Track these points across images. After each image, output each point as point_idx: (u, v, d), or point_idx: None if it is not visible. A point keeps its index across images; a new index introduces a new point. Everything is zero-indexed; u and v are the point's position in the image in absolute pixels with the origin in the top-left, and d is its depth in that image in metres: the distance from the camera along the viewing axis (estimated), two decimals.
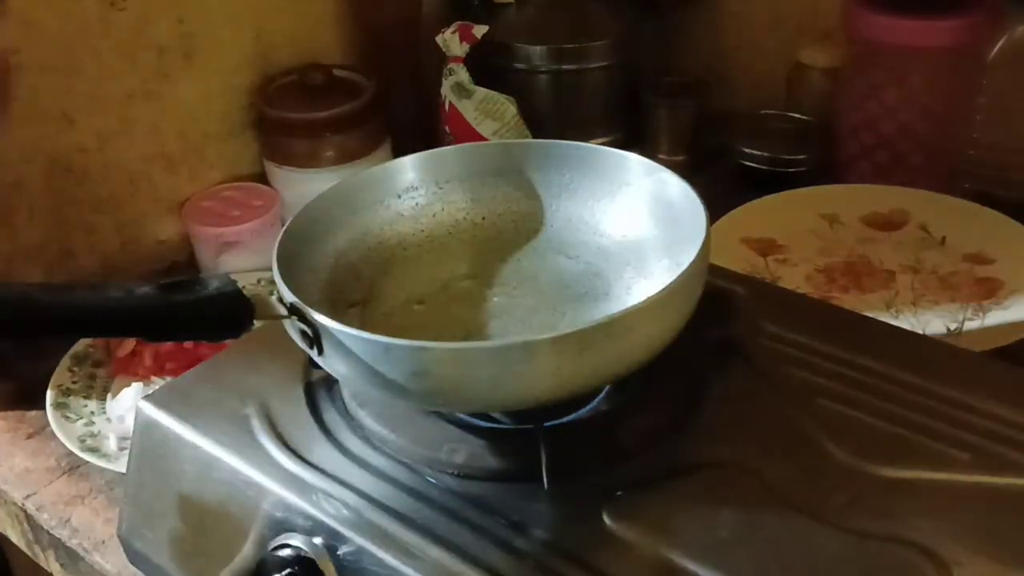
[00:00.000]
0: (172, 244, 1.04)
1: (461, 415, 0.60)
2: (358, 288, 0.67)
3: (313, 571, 0.55)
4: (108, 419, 0.82)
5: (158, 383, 0.85)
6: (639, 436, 0.58)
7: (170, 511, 0.63)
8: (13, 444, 0.83)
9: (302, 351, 0.58)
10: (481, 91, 1.06)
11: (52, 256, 0.96)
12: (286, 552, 0.55)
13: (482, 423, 0.60)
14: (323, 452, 0.60)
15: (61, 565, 0.77)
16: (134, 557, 0.67)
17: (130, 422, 0.75)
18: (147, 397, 0.66)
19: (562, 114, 1.11)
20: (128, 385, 0.84)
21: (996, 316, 0.82)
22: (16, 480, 0.80)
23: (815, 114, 1.07)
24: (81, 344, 0.89)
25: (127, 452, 0.71)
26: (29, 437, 0.84)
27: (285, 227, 0.63)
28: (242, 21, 1.03)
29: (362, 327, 0.59)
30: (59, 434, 0.80)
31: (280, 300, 0.57)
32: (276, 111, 1.02)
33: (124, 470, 0.69)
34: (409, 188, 0.71)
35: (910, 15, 0.93)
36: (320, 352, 0.56)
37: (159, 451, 0.64)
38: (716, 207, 0.76)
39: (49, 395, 0.84)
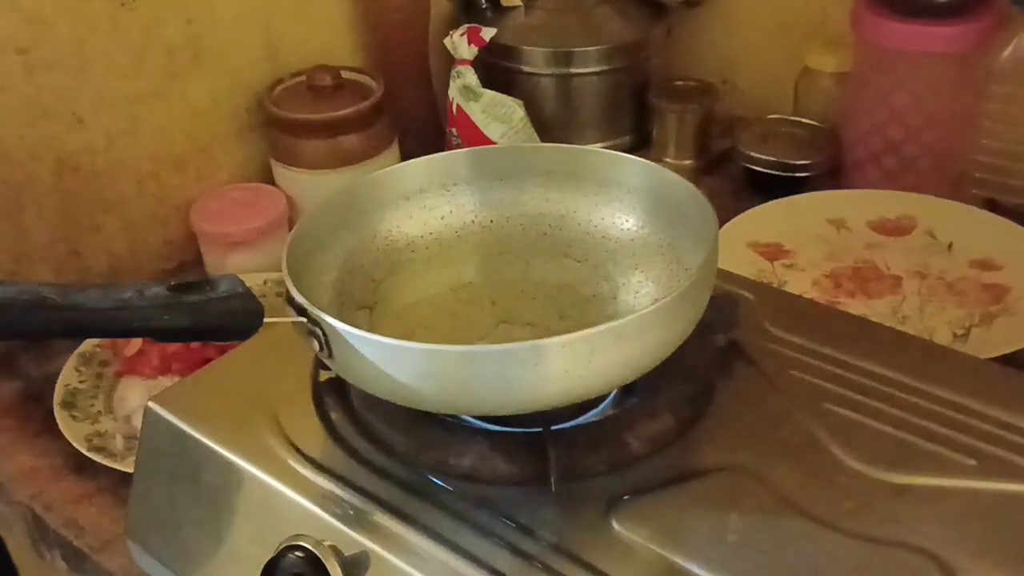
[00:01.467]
0: (179, 244, 1.04)
1: (469, 418, 0.60)
2: (367, 290, 0.67)
3: (321, 573, 0.55)
4: (115, 419, 0.82)
5: (165, 383, 0.85)
6: (646, 440, 0.58)
7: (177, 511, 0.63)
8: (20, 443, 0.83)
9: (310, 352, 0.58)
10: (489, 94, 1.06)
11: (60, 255, 0.96)
12: (293, 554, 0.55)
13: (490, 426, 0.60)
14: (331, 454, 0.60)
15: (67, 565, 0.77)
16: (140, 557, 0.67)
17: (137, 422, 0.75)
18: (154, 397, 0.66)
19: (570, 117, 1.11)
20: (135, 385, 0.84)
21: (1003, 322, 0.81)
22: (22, 479, 0.80)
23: (823, 119, 1.06)
24: (88, 343, 0.89)
25: (134, 452, 0.71)
26: (36, 436, 0.84)
27: (295, 228, 0.63)
28: (251, 22, 1.04)
29: (371, 329, 0.59)
30: (66, 433, 0.80)
31: (289, 302, 0.57)
32: (284, 112, 1.02)
33: (131, 470, 0.69)
34: (418, 191, 0.71)
35: (918, 20, 0.93)
36: (329, 354, 0.56)
37: (166, 451, 0.64)
38: (723, 211, 0.76)
39: (56, 394, 0.84)
